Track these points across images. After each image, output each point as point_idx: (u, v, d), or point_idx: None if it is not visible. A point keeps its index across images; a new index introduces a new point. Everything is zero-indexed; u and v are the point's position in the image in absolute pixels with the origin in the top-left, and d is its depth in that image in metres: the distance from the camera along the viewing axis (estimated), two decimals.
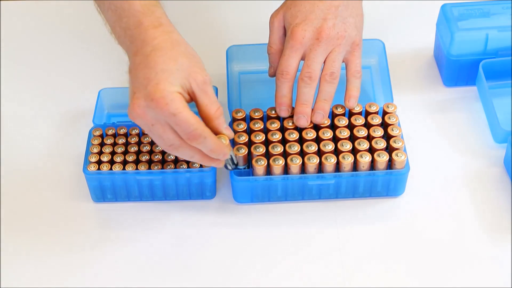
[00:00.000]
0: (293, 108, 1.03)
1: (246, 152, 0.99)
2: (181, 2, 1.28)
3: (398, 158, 0.99)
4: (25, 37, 1.26)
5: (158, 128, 0.90)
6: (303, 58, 1.03)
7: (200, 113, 0.93)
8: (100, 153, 1.02)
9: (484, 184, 1.04)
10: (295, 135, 1.02)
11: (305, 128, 1.02)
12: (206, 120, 0.93)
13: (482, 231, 0.99)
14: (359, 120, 1.04)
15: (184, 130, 0.89)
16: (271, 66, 1.07)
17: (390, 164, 1.01)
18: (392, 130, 1.02)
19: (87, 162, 1.01)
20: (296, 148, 1.00)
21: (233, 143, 1.02)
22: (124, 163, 1.01)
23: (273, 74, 1.05)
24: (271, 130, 1.03)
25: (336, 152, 1.01)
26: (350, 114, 1.05)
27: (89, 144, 1.03)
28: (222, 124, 0.94)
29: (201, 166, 1.00)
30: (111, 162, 1.01)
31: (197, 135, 0.90)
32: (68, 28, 1.27)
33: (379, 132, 1.02)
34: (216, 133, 0.93)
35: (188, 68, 0.91)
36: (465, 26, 1.12)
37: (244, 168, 1.00)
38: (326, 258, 0.97)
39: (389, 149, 1.01)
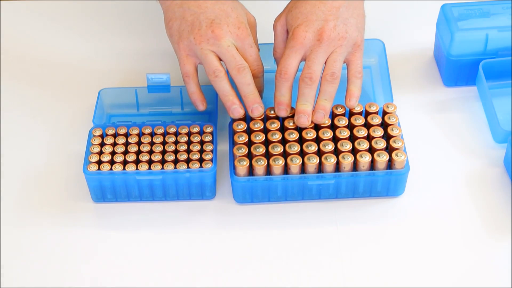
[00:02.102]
0: (292, 108, 1.03)
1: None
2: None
3: (398, 158, 0.99)
4: (25, 37, 1.26)
5: (233, 50, 1.02)
6: (303, 59, 1.03)
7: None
8: (100, 153, 1.02)
9: (484, 184, 1.04)
10: (295, 135, 1.02)
11: (305, 128, 1.03)
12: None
13: (482, 231, 0.99)
14: (359, 120, 1.04)
15: (254, 61, 1.04)
16: None
17: (390, 164, 1.01)
18: (392, 130, 1.02)
19: (87, 162, 1.01)
20: (296, 148, 1.00)
21: (233, 143, 1.02)
22: (124, 163, 1.01)
23: None
24: (271, 130, 1.03)
25: (336, 152, 1.01)
26: (350, 114, 1.05)
27: (89, 144, 1.03)
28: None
29: (201, 166, 1.01)
30: (111, 162, 1.01)
31: (260, 70, 1.05)
32: (68, 28, 1.27)
33: (379, 132, 1.02)
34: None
35: (243, 7, 1.07)
36: (465, 26, 1.12)
37: None
38: (326, 258, 0.97)
39: (389, 149, 1.01)
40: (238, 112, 1.03)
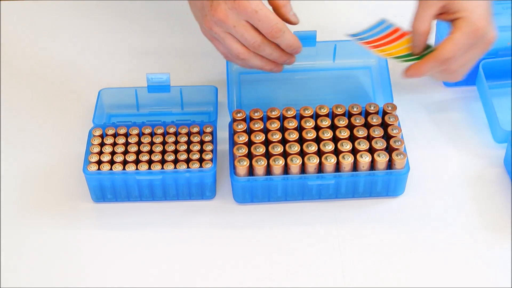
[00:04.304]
0: (292, 107, 1.03)
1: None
2: (181, 2, 1.28)
3: (398, 158, 0.99)
4: (25, 37, 1.26)
5: (241, 28, 0.98)
6: None
7: (270, 4, 1.00)
8: (100, 153, 1.03)
9: (484, 184, 1.04)
10: (295, 135, 1.02)
11: (305, 128, 1.03)
12: (274, 9, 1.00)
13: (482, 231, 0.99)
14: (359, 120, 1.04)
15: (266, 24, 0.97)
16: (417, 46, 1.00)
17: (390, 164, 1.01)
18: (392, 130, 1.02)
19: (87, 162, 1.01)
20: (296, 148, 1.00)
21: (233, 143, 1.02)
22: (124, 163, 1.01)
23: (420, 52, 1.00)
24: (271, 130, 1.03)
25: (336, 152, 1.01)
26: (350, 114, 1.05)
27: (89, 144, 1.03)
28: (288, 11, 1.00)
29: (201, 166, 1.01)
30: (111, 162, 1.02)
31: (278, 29, 0.97)
32: (68, 28, 1.27)
33: (379, 132, 1.02)
34: (283, 19, 1.00)
35: None
36: None
37: None
38: (326, 258, 0.97)
39: (389, 149, 1.01)
40: (278, 70, 1.04)
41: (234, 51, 1.00)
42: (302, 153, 1.01)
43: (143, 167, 1.01)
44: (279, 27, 0.98)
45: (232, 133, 1.04)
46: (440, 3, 0.95)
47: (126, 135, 1.05)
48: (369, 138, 1.02)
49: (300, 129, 1.04)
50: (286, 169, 1.00)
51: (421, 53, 1.00)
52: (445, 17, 0.97)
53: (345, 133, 1.02)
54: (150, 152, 1.03)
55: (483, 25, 0.94)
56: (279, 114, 1.05)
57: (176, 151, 1.03)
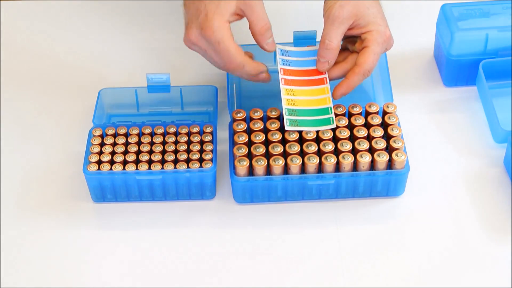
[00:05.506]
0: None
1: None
2: (180, 2, 1.28)
3: (398, 158, 0.99)
4: (25, 37, 1.26)
5: (211, 53, 1.00)
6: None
7: (250, 29, 1.01)
8: (100, 153, 1.03)
9: (484, 184, 1.04)
10: (295, 135, 1.02)
11: None
12: (253, 35, 1.02)
13: (482, 231, 0.99)
14: (359, 120, 1.04)
15: (226, 59, 0.99)
16: (327, 61, 1.03)
17: (390, 164, 1.01)
18: (392, 130, 1.02)
19: (87, 162, 1.01)
20: (296, 148, 1.00)
21: (233, 143, 1.02)
22: (124, 163, 1.01)
23: (326, 69, 1.04)
24: (271, 130, 1.03)
25: (336, 152, 1.01)
26: (350, 114, 1.05)
27: (89, 144, 1.03)
28: (265, 39, 1.02)
29: (201, 166, 1.01)
30: (111, 162, 1.02)
31: (236, 65, 1.00)
32: (68, 28, 1.27)
33: (379, 132, 1.02)
34: (259, 46, 1.02)
35: None
36: (465, 26, 1.12)
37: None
38: (326, 258, 0.97)
39: (389, 149, 1.01)
40: (268, 79, 1.04)
41: (214, 65, 1.02)
42: (302, 153, 1.01)
43: (143, 167, 1.01)
44: (237, 63, 1.00)
45: (232, 133, 1.04)
46: (351, 20, 1.01)
47: (126, 135, 1.05)
48: (369, 138, 1.02)
49: None
50: (286, 169, 1.00)
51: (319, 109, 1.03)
52: (354, 32, 1.03)
53: (345, 133, 1.02)
54: (150, 152, 1.03)
55: (390, 34, 1.04)
56: (279, 114, 1.05)
57: (176, 151, 1.03)
